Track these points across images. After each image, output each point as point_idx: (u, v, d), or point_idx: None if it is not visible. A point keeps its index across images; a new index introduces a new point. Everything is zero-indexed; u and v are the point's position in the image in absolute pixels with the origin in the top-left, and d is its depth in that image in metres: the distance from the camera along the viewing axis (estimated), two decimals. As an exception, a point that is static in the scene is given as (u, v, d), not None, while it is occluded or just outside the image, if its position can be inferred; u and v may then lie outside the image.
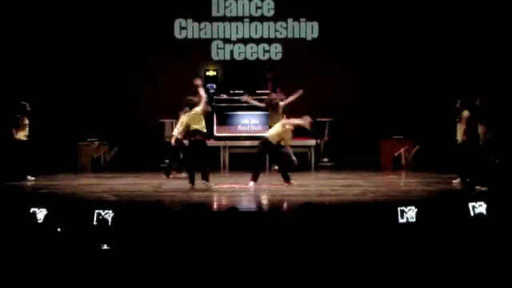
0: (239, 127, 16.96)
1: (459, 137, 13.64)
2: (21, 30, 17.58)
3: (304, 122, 13.32)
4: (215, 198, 12.45)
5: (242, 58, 18.36)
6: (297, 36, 18.27)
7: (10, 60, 17.41)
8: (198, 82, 13.00)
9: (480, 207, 8.90)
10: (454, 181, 13.64)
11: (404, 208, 8.69)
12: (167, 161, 16.32)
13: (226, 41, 18.30)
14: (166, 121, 16.82)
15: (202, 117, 12.70)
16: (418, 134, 16.73)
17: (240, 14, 18.29)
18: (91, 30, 17.89)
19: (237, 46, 18.34)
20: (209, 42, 18.28)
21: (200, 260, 7.55)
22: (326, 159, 17.24)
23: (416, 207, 8.70)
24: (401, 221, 8.65)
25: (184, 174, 14.42)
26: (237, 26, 18.31)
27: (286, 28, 18.30)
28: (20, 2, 17.56)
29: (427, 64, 17.70)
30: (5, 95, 16.60)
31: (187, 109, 13.09)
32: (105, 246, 8.06)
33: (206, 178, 12.79)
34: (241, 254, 7.66)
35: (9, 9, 17.42)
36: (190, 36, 18.27)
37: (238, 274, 7.23)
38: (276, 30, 18.31)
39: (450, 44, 17.70)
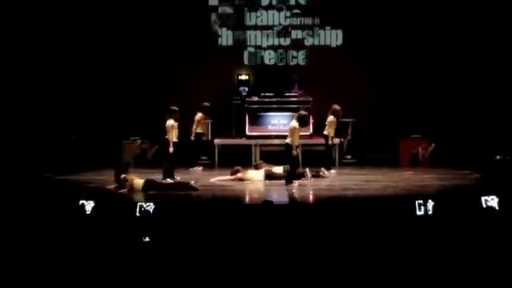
0: (269, 127, 16.90)
1: None
2: (79, 47, 17.86)
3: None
4: (248, 192, 12.52)
5: (271, 63, 18.31)
6: (322, 43, 18.19)
7: (62, 76, 17.75)
8: None
9: (492, 201, 8.91)
10: None
11: (421, 201, 8.74)
12: (204, 157, 16.60)
13: (258, 47, 18.30)
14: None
15: None
16: (435, 134, 16.54)
17: (270, 23, 18.26)
18: (140, 41, 18.04)
19: (267, 52, 18.31)
20: (242, 48, 18.29)
21: (235, 250, 7.54)
22: (349, 156, 17.12)
23: (433, 200, 8.75)
24: (418, 213, 8.71)
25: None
26: (267, 34, 18.30)
27: (313, 36, 18.25)
28: (77, 12, 17.80)
29: (444, 67, 17.55)
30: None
31: None
32: (147, 238, 8.11)
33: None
34: (271, 244, 7.65)
35: (72, 19, 17.76)
36: (224, 43, 18.32)
37: (268, 261, 7.17)
38: (303, 38, 18.26)
39: (466, 46, 17.51)
